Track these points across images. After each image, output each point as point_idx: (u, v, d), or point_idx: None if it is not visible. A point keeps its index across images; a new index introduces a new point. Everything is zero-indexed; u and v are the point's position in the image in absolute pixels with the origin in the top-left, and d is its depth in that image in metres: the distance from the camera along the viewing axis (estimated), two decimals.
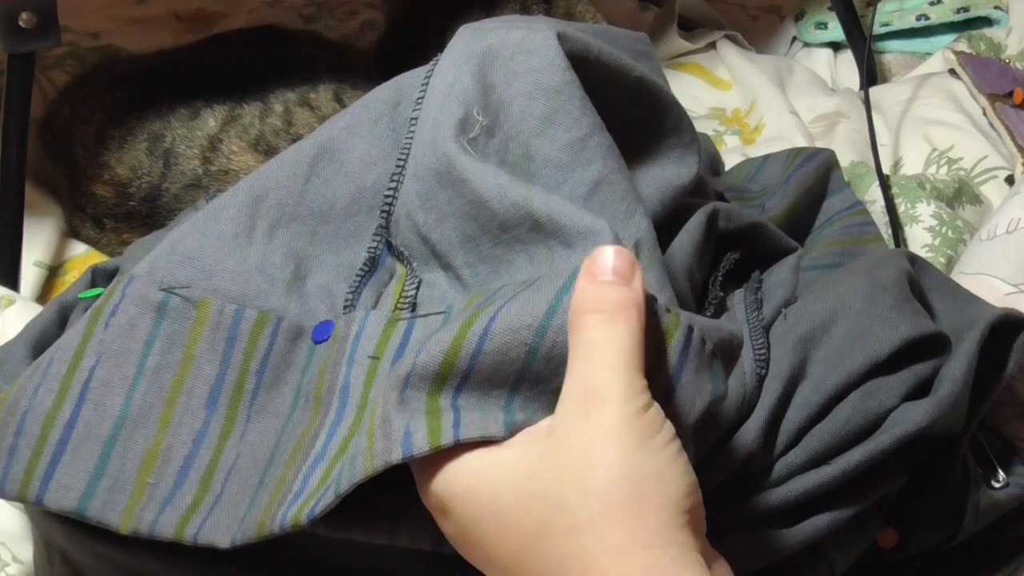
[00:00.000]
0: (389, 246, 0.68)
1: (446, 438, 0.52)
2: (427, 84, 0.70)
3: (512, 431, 0.52)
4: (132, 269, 0.66)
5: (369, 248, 0.68)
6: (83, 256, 1.08)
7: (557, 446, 0.50)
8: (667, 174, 0.72)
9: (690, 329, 0.54)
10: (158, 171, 1.03)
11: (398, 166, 0.68)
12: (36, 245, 1.06)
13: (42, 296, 1.04)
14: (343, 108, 1.06)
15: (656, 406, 0.50)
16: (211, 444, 0.62)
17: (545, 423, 0.52)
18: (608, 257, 0.53)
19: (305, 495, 0.55)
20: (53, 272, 1.07)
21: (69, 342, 0.64)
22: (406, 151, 0.68)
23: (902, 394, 0.68)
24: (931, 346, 0.69)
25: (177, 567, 0.65)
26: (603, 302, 0.51)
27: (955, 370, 0.69)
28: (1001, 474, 0.74)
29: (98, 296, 0.67)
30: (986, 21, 1.40)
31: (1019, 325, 0.73)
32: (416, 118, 0.69)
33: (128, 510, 0.60)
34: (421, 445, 0.52)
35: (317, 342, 0.64)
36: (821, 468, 0.67)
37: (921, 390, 0.69)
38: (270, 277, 0.65)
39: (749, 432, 0.67)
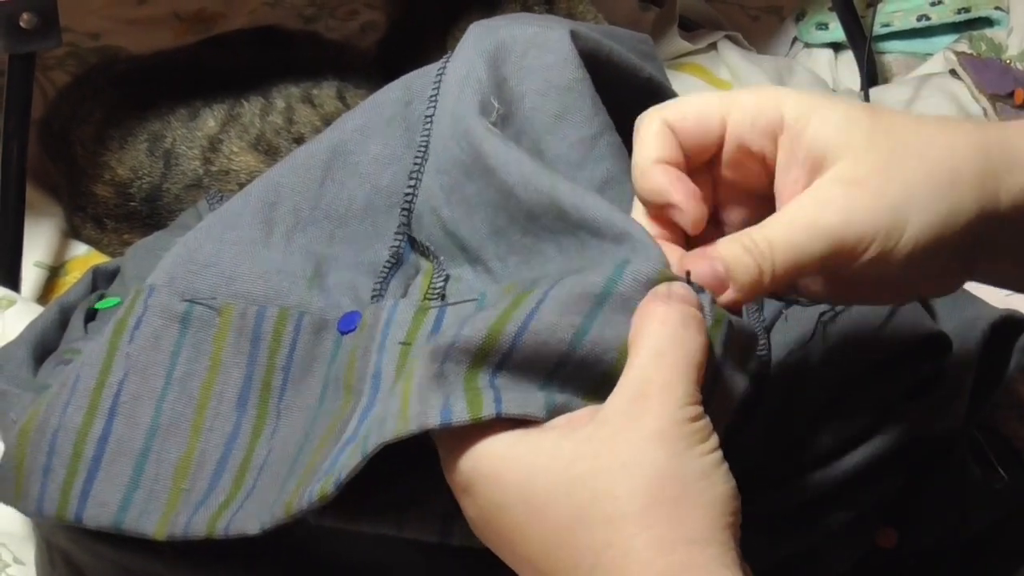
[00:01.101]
0: (412, 243, 0.67)
1: (488, 410, 0.51)
2: (440, 81, 0.69)
3: (552, 413, 0.52)
4: (150, 279, 0.66)
5: (391, 247, 0.67)
6: (84, 256, 1.08)
7: (605, 437, 0.50)
8: None
9: (730, 324, 0.54)
10: (159, 171, 1.03)
11: (415, 163, 0.68)
12: (37, 245, 1.07)
13: (43, 297, 1.05)
14: (345, 106, 1.06)
15: (707, 419, 0.50)
16: (243, 445, 0.62)
17: (587, 411, 0.52)
18: (680, 288, 0.53)
19: (336, 471, 0.54)
20: (54, 272, 1.07)
21: (94, 357, 0.64)
22: (423, 148, 0.68)
23: (903, 395, 0.68)
24: (932, 347, 0.69)
25: (178, 568, 0.65)
26: (680, 312, 0.51)
27: (956, 371, 0.69)
28: (1001, 473, 0.74)
29: (116, 306, 0.67)
30: (987, 22, 1.40)
31: (1019, 326, 0.73)
32: (431, 115, 0.68)
33: (164, 517, 0.60)
34: (461, 415, 0.51)
35: (343, 332, 0.64)
36: (821, 470, 0.67)
37: (922, 391, 0.69)
38: (291, 276, 0.65)
39: (751, 435, 0.67)
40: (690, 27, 1.41)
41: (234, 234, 0.67)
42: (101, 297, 0.81)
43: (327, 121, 1.05)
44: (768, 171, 0.57)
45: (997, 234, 0.55)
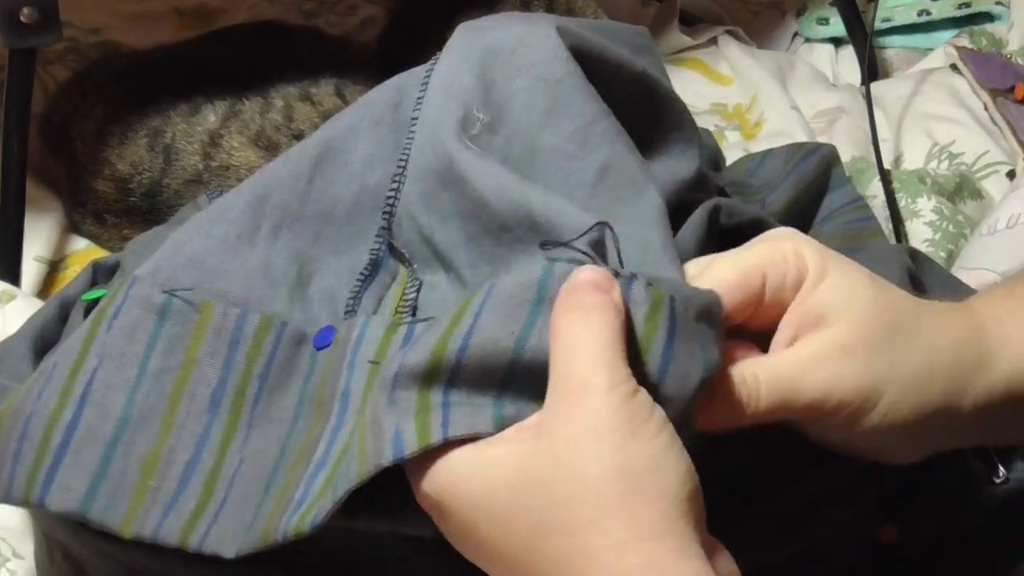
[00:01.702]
0: (391, 248, 0.67)
1: (435, 436, 0.51)
2: (426, 84, 0.70)
3: (502, 425, 0.52)
4: (136, 270, 0.65)
5: (372, 250, 0.68)
6: (84, 251, 1.08)
7: (547, 442, 0.49)
8: (669, 169, 0.72)
9: (672, 300, 0.53)
10: (159, 167, 1.03)
11: (399, 167, 0.68)
12: (37, 240, 1.07)
13: (43, 291, 1.05)
14: (344, 103, 1.06)
15: (643, 392, 0.50)
16: (214, 449, 0.62)
17: (535, 419, 0.52)
18: (587, 273, 0.52)
19: (308, 503, 0.55)
20: (54, 267, 1.07)
21: (72, 345, 0.64)
22: (407, 152, 0.68)
23: None
24: None
25: (176, 564, 0.65)
26: (579, 303, 0.51)
27: None
28: (1001, 470, 0.74)
29: (102, 298, 0.67)
30: (987, 16, 1.40)
31: None
32: (416, 118, 0.69)
33: (131, 513, 0.60)
34: (411, 445, 0.51)
35: (319, 348, 0.64)
36: (824, 470, 0.67)
37: None
38: (274, 281, 0.65)
39: (750, 437, 0.67)
40: (691, 22, 1.41)
41: (221, 229, 0.66)
42: None
43: (326, 118, 1.04)
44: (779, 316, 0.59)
45: (959, 428, 0.60)
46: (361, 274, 0.67)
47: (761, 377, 0.56)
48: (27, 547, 0.77)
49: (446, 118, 0.66)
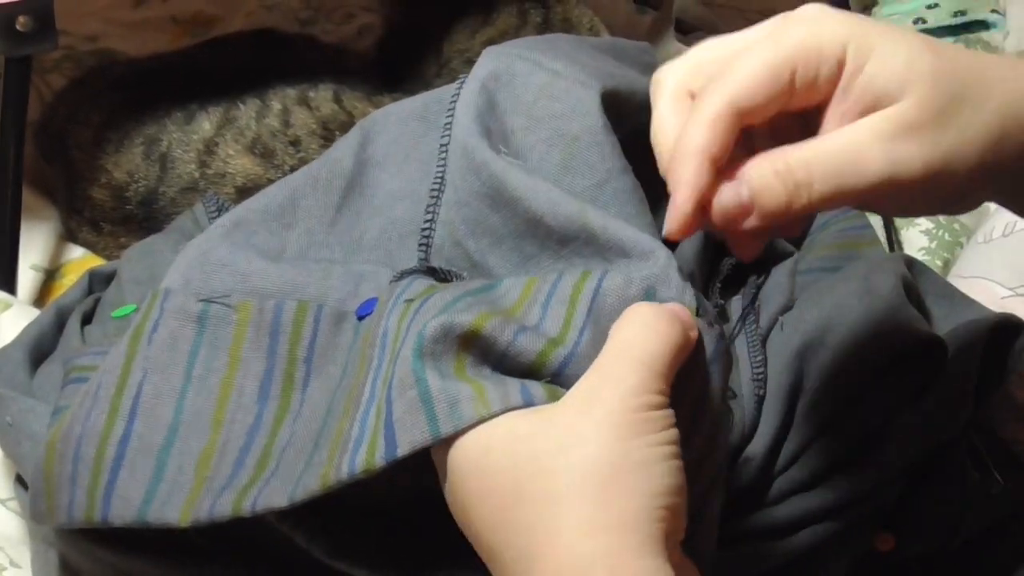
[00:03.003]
0: (432, 272, 0.66)
1: (495, 406, 0.52)
2: (453, 109, 0.69)
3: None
4: (165, 283, 0.66)
5: (407, 269, 0.67)
6: (80, 259, 1.08)
7: (559, 417, 0.51)
8: None
9: (724, 345, 0.56)
10: (155, 175, 1.03)
11: (432, 196, 0.68)
12: (33, 248, 1.06)
13: (39, 300, 1.04)
14: (342, 109, 1.06)
15: (669, 412, 0.51)
16: (266, 432, 0.62)
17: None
18: (676, 308, 0.54)
19: (368, 439, 0.54)
20: (50, 275, 1.07)
21: (114, 364, 0.64)
22: (439, 180, 0.68)
23: (900, 402, 0.69)
24: (928, 352, 0.69)
25: (174, 570, 0.65)
26: (653, 307, 0.53)
27: (957, 376, 0.69)
28: (998, 477, 0.74)
29: (133, 312, 0.68)
30: (983, 24, 1.40)
31: (1016, 329, 0.73)
32: (446, 144, 0.69)
33: (187, 504, 0.60)
34: (469, 416, 0.52)
35: (361, 317, 0.64)
36: (824, 489, 0.67)
37: (919, 396, 0.69)
38: (306, 271, 0.66)
39: (752, 456, 0.67)
40: (686, 30, 1.41)
41: (248, 241, 0.67)
42: (97, 300, 0.81)
43: (323, 124, 1.05)
44: (821, 99, 0.54)
45: None
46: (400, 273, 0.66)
47: (811, 163, 0.52)
48: (24, 556, 0.77)
49: (478, 144, 0.66)
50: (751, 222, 0.53)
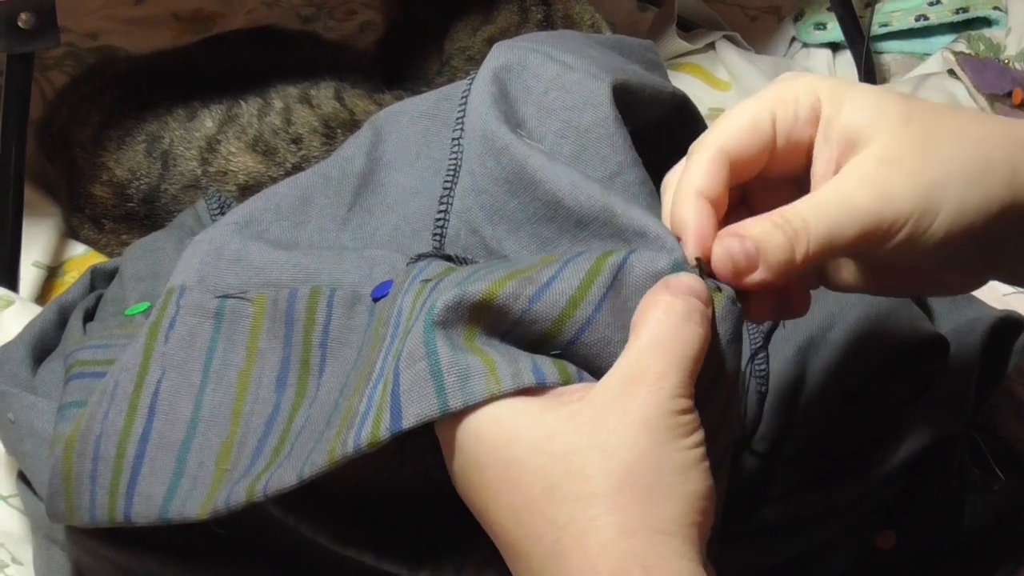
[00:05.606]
0: (448, 259, 0.66)
1: (505, 384, 0.51)
2: (464, 104, 0.69)
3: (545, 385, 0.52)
4: (180, 279, 0.66)
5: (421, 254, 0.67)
6: (82, 257, 1.08)
7: (589, 416, 0.50)
8: None
9: (740, 321, 0.55)
10: (156, 172, 1.03)
11: (445, 187, 0.67)
12: (35, 246, 1.07)
13: (41, 297, 1.04)
14: (343, 106, 1.06)
15: (695, 415, 0.51)
16: (283, 420, 0.62)
17: (580, 387, 0.52)
18: (688, 279, 0.53)
19: (373, 412, 0.54)
20: (52, 272, 1.07)
21: (131, 361, 0.64)
22: (452, 171, 0.68)
23: (902, 400, 0.69)
24: (930, 349, 0.69)
25: (174, 567, 0.65)
26: (681, 301, 0.52)
27: (958, 374, 0.69)
28: (999, 475, 0.74)
29: (147, 310, 0.67)
30: (985, 21, 1.40)
31: (1018, 327, 0.73)
32: (458, 138, 0.68)
33: (208, 497, 0.60)
34: (480, 391, 0.51)
35: (377, 299, 0.63)
36: (825, 487, 0.67)
37: (920, 394, 0.69)
38: (319, 258, 0.65)
39: (754, 453, 0.67)
40: (688, 27, 1.41)
41: (261, 236, 0.67)
42: (99, 297, 0.81)
43: (325, 121, 1.05)
44: (810, 158, 0.57)
45: (1022, 230, 0.56)
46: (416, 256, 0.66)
47: (805, 214, 0.54)
48: (26, 553, 0.77)
49: (498, 128, 0.65)
50: (758, 275, 0.54)
